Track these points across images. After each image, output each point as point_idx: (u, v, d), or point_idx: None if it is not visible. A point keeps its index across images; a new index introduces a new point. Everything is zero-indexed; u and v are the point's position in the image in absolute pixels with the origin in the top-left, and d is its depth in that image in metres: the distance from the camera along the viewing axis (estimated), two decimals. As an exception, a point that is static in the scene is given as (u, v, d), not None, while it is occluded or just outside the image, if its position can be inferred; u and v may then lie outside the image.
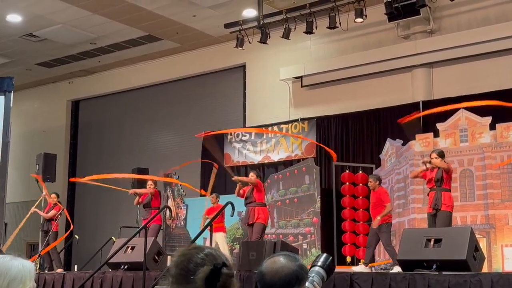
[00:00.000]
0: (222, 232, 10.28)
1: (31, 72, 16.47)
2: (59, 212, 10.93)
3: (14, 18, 12.90)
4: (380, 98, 11.82)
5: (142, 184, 12.99)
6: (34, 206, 11.51)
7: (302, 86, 12.85)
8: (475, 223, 9.84)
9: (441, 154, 7.79)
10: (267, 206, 9.38)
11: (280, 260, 2.11)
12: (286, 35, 11.56)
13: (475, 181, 10.07)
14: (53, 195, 11.38)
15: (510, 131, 9.91)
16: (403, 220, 10.89)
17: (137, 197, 10.63)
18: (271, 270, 2.09)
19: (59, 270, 10.17)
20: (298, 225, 11.80)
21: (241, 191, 9.18)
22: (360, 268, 8.17)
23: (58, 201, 11.30)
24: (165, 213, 12.34)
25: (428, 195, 7.85)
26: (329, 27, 11.04)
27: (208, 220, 8.40)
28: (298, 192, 12.02)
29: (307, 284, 2.14)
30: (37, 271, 9.39)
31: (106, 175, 11.43)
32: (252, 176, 9.10)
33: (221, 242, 10.12)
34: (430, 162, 7.72)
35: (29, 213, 11.54)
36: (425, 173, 7.89)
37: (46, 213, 11.07)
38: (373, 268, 9.46)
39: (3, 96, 14.49)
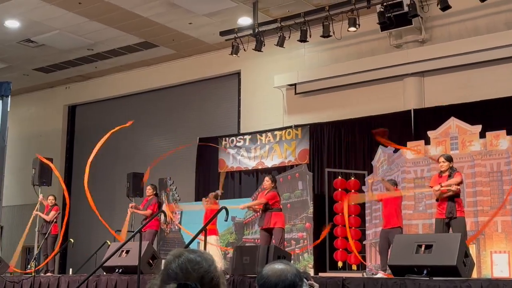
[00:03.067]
0: (214, 235, 10.27)
1: (29, 77, 16.44)
2: (57, 213, 10.94)
3: (12, 24, 12.88)
4: (373, 106, 11.85)
5: (136, 190, 12.98)
6: (35, 209, 11.44)
7: (295, 94, 12.87)
8: (465, 229, 9.85)
9: (449, 159, 7.81)
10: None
11: (279, 265, 2.24)
12: (280, 43, 11.58)
13: (465, 188, 10.08)
14: (51, 197, 11.36)
15: (500, 139, 9.95)
16: (394, 226, 10.89)
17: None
18: (275, 273, 2.20)
19: (49, 274, 10.12)
20: (291, 230, 11.78)
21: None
22: (380, 274, 8.04)
23: (55, 203, 11.30)
24: (160, 218, 12.31)
25: (437, 200, 7.79)
26: (323, 36, 11.07)
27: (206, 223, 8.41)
28: (291, 198, 12.01)
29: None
30: (33, 274, 9.35)
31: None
32: (267, 181, 9.07)
33: (213, 245, 10.11)
34: (441, 187, 7.68)
35: (32, 216, 11.48)
36: (436, 180, 7.88)
37: (46, 215, 11.05)
38: (364, 274, 9.46)
39: (0, 101, 14.46)
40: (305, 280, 2.32)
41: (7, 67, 15.54)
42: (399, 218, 8.66)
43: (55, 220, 10.74)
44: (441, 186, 7.59)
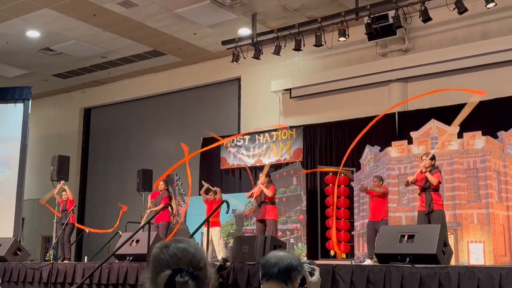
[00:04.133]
0: (217, 226, 10.26)
1: (48, 83, 16.42)
2: (74, 205, 10.95)
3: (33, 34, 12.86)
4: (360, 109, 11.84)
5: (145, 185, 12.97)
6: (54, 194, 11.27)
7: (291, 98, 12.86)
8: (444, 221, 9.85)
9: (432, 158, 7.80)
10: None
11: (281, 252, 2.26)
12: (277, 52, 11.58)
13: (444, 183, 10.08)
14: (64, 192, 11.30)
15: (476, 139, 9.95)
16: (380, 218, 10.88)
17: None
18: (277, 258, 2.21)
19: (66, 261, 10.11)
20: (286, 222, 11.78)
21: (253, 194, 9.19)
22: (368, 262, 8.02)
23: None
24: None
25: (419, 194, 7.83)
26: (315, 45, 11.07)
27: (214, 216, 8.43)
28: (286, 192, 12.01)
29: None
30: (51, 262, 9.34)
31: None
32: (261, 176, 9.08)
33: (215, 236, 10.10)
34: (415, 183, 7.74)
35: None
36: (418, 176, 7.88)
37: (62, 209, 10.97)
38: (352, 261, 9.46)
39: (22, 104, 14.47)
40: (307, 264, 2.33)
41: (28, 73, 15.52)
42: (385, 211, 8.65)
43: (72, 211, 10.73)
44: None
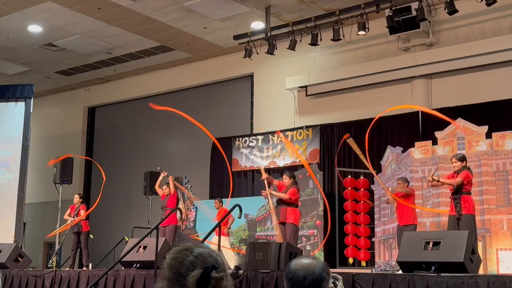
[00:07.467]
0: (224, 236, 10.18)
1: (50, 80, 16.55)
2: (85, 210, 11.05)
3: (35, 28, 12.97)
4: (381, 107, 11.76)
5: (152, 188, 13.02)
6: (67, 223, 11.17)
7: (306, 95, 12.85)
8: (472, 227, 9.78)
9: (461, 159, 7.71)
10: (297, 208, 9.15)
11: (306, 260, 2.24)
12: (292, 47, 11.57)
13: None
14: (76, 196, 11.39)
15: (506, 139, 9.86)
16: (402, 224, 10.81)
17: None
18: (303, 267, 2.19)
19: (85, 268, 10.20)
20: (302, 228, 11.73)
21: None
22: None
23: (82, 201, 11.29)
24: (176, 214, 12.33)
25: (450, 197, 7.78)
26: (333, 39, 11.05)
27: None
28: (302, 196, 11.94)
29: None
30: (54, 269, 9.40)
31: None
32: (285, 179, 9.00)
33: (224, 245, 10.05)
34: (438, 181, 7.63)
35: (68, 223, 11.19)
36: (450, 177, 7.82)
37: (74, 216, 11.02)
38: (373, 269, 9.42)
39: (23, 103, 14.58)
40: None
41: (30, 70, 15.65)
42: (414, 215, 8.60)
43: (85, 218, 10.88)
44: (433, 180, 7.49)
